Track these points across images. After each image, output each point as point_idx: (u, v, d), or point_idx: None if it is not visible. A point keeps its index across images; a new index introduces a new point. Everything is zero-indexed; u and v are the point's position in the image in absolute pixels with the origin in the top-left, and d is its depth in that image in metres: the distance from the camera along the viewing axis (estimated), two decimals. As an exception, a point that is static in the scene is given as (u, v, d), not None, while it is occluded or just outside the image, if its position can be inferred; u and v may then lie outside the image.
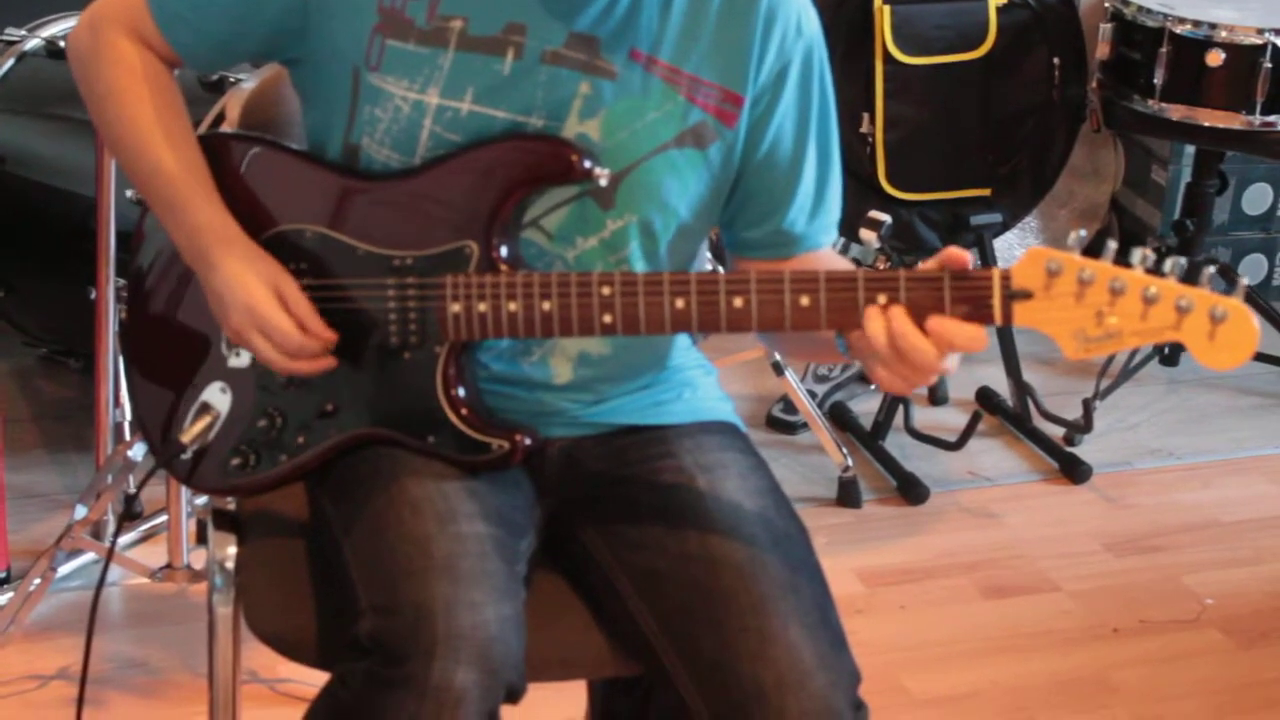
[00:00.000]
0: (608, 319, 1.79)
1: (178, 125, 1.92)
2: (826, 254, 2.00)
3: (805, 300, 1.73)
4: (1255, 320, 1.61)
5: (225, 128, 2.07)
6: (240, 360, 1.94)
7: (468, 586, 1.73)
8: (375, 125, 1.87)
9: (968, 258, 1.69)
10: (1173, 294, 1.61)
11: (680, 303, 1.77)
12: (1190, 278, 1.62)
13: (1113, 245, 1.64)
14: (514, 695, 1.75)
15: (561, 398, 1.96)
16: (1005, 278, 1.67)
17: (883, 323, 1.69)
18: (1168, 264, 1.62)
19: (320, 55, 1.89)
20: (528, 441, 1.87)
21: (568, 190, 1.87)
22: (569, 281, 1.79)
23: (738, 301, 1.75)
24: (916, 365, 1.69)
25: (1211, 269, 1.62)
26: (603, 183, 1.85)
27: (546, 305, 1.80)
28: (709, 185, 1.92)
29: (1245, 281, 1.63)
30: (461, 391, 1.87)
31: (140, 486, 2.15)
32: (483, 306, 1.82)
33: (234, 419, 1.95)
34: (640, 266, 1.91)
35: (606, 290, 1.78)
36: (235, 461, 1.95)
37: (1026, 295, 1.66)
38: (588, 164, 1.83)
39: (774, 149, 1.93)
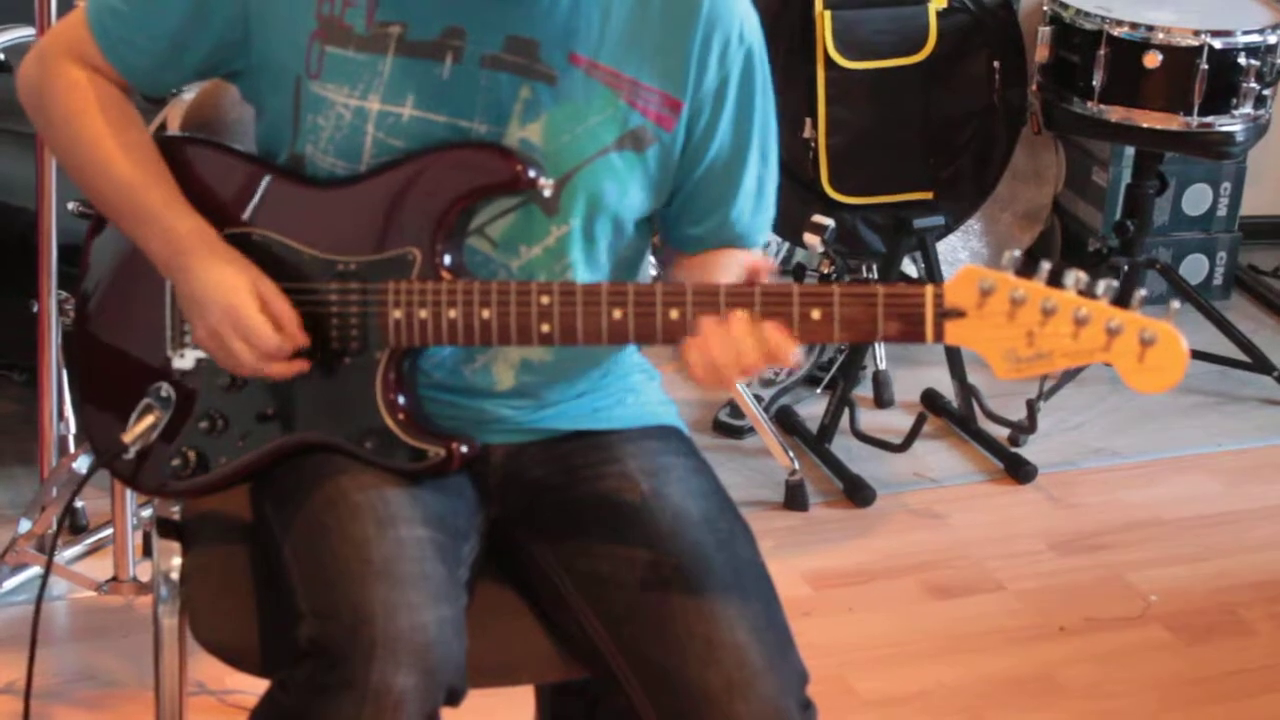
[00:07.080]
0: (545, 328, 1.79)
1: (138, 138, 1.92)
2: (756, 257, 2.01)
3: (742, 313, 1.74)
4: (1184, 344, 1.62)
5: (167, 136, 2.07)
6: (184, 362, 1.94)
7: (406, 589, 1.73)
8: (319, 133, 1.87)
9: (767, 266, 1.76)
10: (1104, 316, 1.63)
11: (617, 314, 1.78)
12: (1122, 300, 1.64)
13: (1046, 265, 1.65)
14: (454, 697, 1.75)
15: (503, 405, 1.96)
16: (938, 296, 1.68)
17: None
18: (1100, 286, 1.64)
19: (262, 66, 1.90)
20: (464, 449, 1.88)
21: (512, 198, 1.88)
22: (509, 290, 1.80)
23: (674, 314, 1.76)
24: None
25: (1143, 292, 1.64)
26: (547, 193, 1.86)
27: (486, 313, 1.80)
28: (646, 188, 1.93)
29: (1176, 305, 1.65)
30: (400, 398, 1.87)
31: (80, 487, 2.14)
32: (424, 313, 1.83)
33: (176, 420, 1.95)
34: (583, 272, 1.91)
35: (545, 300, 1.79)
36: (176, 463, 1.95)
37: (959, 314, 1.68)
38: (533, 174, 1.84)
39: (718, 153, 1.94)
